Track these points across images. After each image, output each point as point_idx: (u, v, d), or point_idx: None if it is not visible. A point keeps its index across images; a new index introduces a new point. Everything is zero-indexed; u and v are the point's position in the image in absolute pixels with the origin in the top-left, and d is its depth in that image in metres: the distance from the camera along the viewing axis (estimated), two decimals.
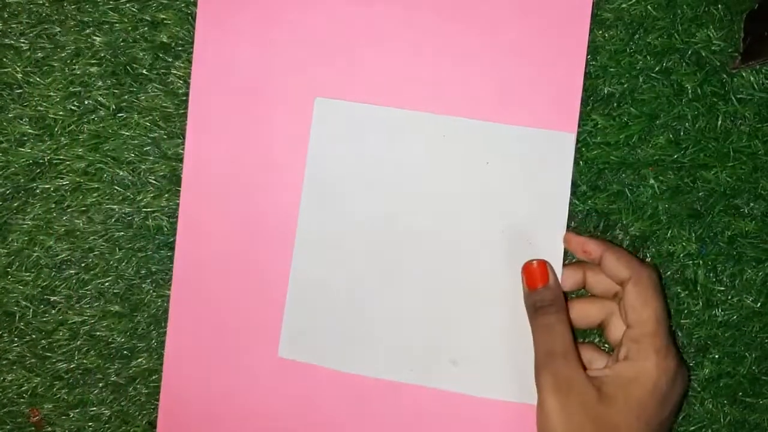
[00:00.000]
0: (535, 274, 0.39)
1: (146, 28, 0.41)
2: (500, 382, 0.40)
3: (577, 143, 0.42)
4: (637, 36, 0.42)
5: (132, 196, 0.42)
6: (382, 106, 0.41)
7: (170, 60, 0.41)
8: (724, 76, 0.42)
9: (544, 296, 0.38)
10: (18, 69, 0.42)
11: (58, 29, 0.42)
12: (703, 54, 0.42)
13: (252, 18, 0.41)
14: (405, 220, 0.41)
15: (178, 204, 0.42)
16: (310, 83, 0.41)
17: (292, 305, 0.41)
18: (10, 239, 0.42)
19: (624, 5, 0.41)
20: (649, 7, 0.41)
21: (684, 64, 0.42)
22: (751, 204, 0.42)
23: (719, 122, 0.42)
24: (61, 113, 0.42)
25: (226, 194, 0.41)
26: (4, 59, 0.41)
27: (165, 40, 0.41)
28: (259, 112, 0.41)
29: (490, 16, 0.41)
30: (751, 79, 0.42)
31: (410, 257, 0.41)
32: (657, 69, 0.42)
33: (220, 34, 0.41)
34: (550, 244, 0.41)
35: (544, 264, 0.39)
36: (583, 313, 0.39)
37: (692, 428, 0.42)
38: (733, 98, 0.42)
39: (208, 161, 0.41)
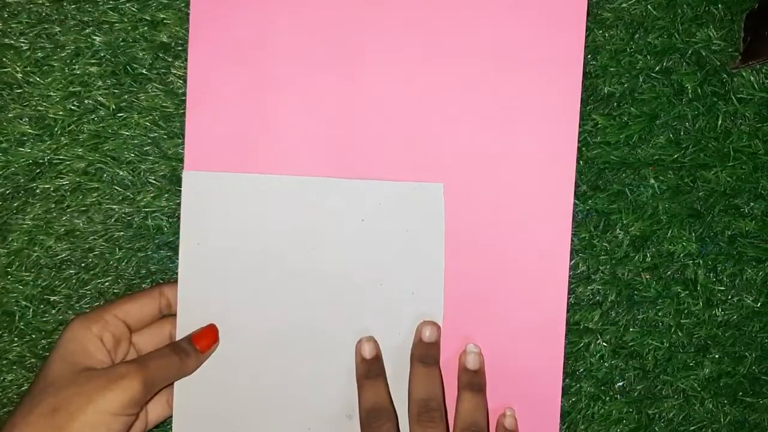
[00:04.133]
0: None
1: (146, 28, 0.41)
2: None
3: (577, 143, 0.42)
4: (638, 36, 0.41)
5: (132, 196, 0.42)
6: (253, 173, 0.40)
7: (170, 60, 0.41)
8: (725, 75, 0.42)
9: None
10: (18, 69, 0.41)
11: (58, 29, 0.41)
12: (704, 54, 0.42)
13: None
14: (290, 284, 0.41)
15: (178, 204, 0.42)
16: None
17: (179, 387, 0.40)
18: (10, 239, 0.42)
19: (624, 5, 0.41)
20: (649, 6, 0.41)
21: (684, 63, 0.42)
22: (751, 204, 0.42)
23: (719, 122, 0.42)
24: (61, 113, 0.42)
25: None
26: (4, 59, 0.41)
27: (165, 40, 0.41)
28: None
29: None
30: (752, 78, 0.42)
31: (298, 319, 0.41)
32: (657, 69, 0.41)
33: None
34: (431, 294, 0.41)
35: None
36: None
37: (692, 428, 0.42)
38: (733, 98, 0.42)
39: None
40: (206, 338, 0.39)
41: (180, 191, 0.41)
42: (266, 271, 0.40)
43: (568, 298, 0.41)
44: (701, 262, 0.42)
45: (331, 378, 0.40)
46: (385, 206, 0.40)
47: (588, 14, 0.41)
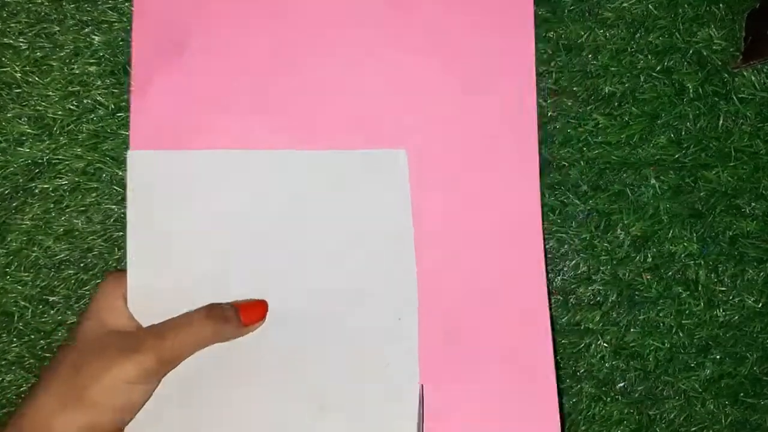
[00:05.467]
0: None
1: None
2: (368, 425, 0.38)
3: (578, 142, 0.41)
4: (638, 35, 0.41)
5: None
6: (201, 150, 0.39)
7: None
8: (726, 75, 0.42)
9: None
10: (17, 68, 0.41)
11: (57, 28, 0.41)
12: (705, 53, 0.42)
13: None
14: (252, 265, 0.38)
15: None
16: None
17: None
18: (8, 239, 0.42)
19: (625, 4, 0.41)
20: (650, 6, 0.41)
21: (685, 63, 0.42)
22: (753, 204, 0.42)
23: (720, 122, 0.42)
24: (59, 113, 0.41)
25: None
26: (3, 59, 0.41)
27: None
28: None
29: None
30: (753, 78, 0.42)
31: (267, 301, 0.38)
32: (658, 68, 0.41)
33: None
34: (401, 262, 0.39)
35: None
36: None
37: (693, 429, 0.42)
38: (734, 98, 0.42)
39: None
40: (255, 312, 0.37)
41: None
42: (224, 253, 0.38)
43: (562, 294, 0.41)
44: (702, 262, 0.42)
45: (301, 366, 0.38)
46: (347, 176, 0.39)
47: (589, 14, 0.41)
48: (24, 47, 0.41)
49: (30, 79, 0.41)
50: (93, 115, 0.42)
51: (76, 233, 0.42)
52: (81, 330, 0.35)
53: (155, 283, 0.38)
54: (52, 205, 0.42)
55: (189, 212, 0.38)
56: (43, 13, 0.41)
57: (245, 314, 0.37)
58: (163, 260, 0.38)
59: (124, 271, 0.38)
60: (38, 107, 0.41)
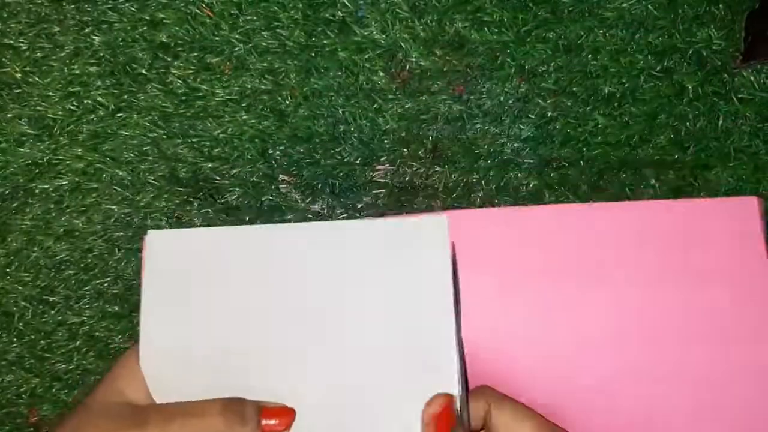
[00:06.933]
0: (443, 420, 0.29)
1: (145, 28, 0.41)
2: None
3: (578, 142, 0.41)
4: (638, 35, 0.41)
5: (131, 197, 0.42)
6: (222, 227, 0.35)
7: (169, 59, 0.41)
8: (725, 75, 0.42)
9: None
10: (17, 69, 0.41)
11: (57, 29, 0.41)
12: (704, 53, 0.41)
13: None
14: (270, 346, 0.34)
15: (176, 204, 0.41)
16: None
17: None
18: (9, 239, 0.42)
19: (625, 5, 0.41)
20: (649, 6, 0.41)
21: (685, 63, 0.41)
22: None
23: (720, 122, 0.42)
24: (60, 113, 0.41)
25: None
26: (3, 59, 0.41)
27: (164, 40, 0.41)
28: None
29: None
30: (752, 78, 0.41)
31: (288, 381, 0.33)
32: (658, 68, 0.41)
33: None
34: (441, 341, 0.32)
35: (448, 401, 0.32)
36: None
37: None
38: (734, 98, 0.41)
39: None
40: (280, 420, 0.31)
41: (179, 191, 0.41)
42: (241, 329, 0.34)
43: None
44: None
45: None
46: (381, 248, 0.34)
47: (589, 14, 0.41)
48: (24, 47, 0.41)
49: (30, 80, 0.41)
50: (93, 116, 0.42)
51: (76, 233, 0.42)
52: (94, 393, 0.33)
53: (169, 355, 0.35)
54: (52, 206, 0.42)
55: (207, 290, 0.35)
56: (43, 14, 0.41)
57: (266, 416, 0.30)
58: (178, 335, 0.35)
59: None
60: (38, 107, 0.41)
